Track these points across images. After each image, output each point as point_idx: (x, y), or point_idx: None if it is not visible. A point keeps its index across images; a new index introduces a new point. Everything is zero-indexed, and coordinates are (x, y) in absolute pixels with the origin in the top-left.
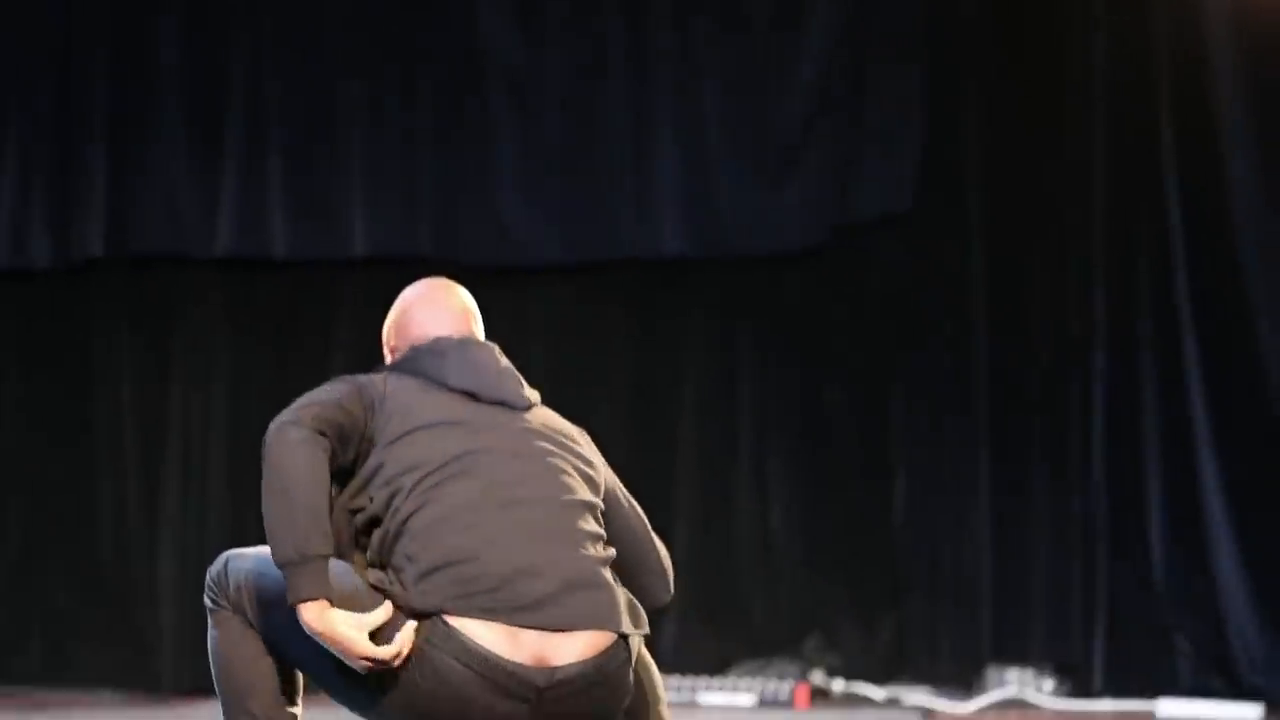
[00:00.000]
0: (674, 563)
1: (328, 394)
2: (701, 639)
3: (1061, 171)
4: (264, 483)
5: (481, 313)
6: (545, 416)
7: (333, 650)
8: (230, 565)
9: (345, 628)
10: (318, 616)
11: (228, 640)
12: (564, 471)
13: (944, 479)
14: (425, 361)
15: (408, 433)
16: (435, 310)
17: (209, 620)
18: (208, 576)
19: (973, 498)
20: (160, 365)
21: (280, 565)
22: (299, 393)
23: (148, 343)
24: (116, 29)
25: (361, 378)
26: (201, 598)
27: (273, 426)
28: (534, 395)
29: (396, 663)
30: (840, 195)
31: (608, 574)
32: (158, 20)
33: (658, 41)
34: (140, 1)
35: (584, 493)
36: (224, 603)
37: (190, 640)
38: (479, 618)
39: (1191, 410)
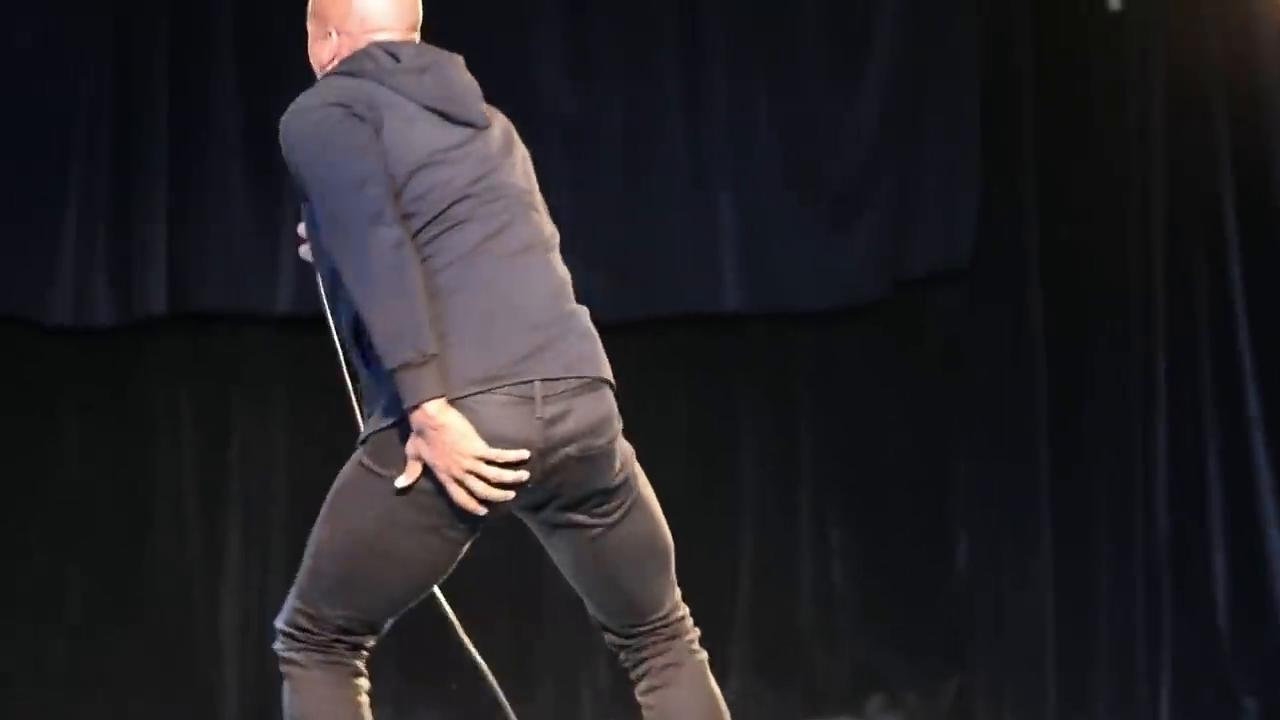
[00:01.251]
0: (734, 618)
1: (366, 161)
2: (763, 695)
3: (1118, 222)
4: (367, 286)
5: None
6: (501, 129)
7: (438, 454)
8: (292, 597)
9: (464, 423)
10: (441, 409)
11: (304, 700)
12: (533, 208)
13: (1005, 536)
14: (398, 78)
15: (408, 174)
16: None
17: (284, 678)
18: (278, 627)
19: (1035, 557)
20: (221, 421)
21: (400, 367)
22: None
23: (209, 398)
24: (173, 81)
25: (359, 107)
26: (266, 654)
27: (358, 220)
28: (490, 110)
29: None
30: (898, 249)
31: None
32: (214, 73)
33: (714, 91)
34: (198, 53)
35: (549, 226)
36: (297, 646)
37: (255, 697)
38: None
39: (1257, 468)
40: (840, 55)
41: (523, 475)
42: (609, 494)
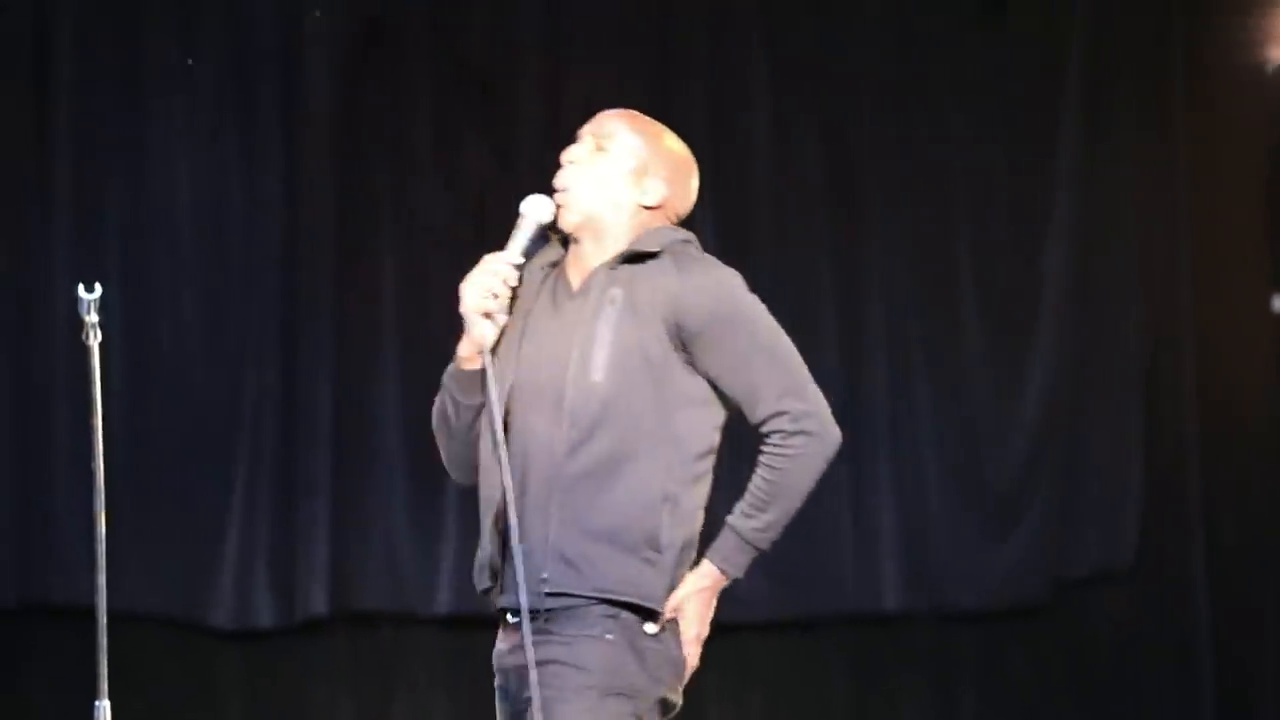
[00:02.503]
0: None
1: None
2: None
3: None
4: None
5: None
6: None
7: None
8: None
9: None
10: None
11: None
12: None
13: None
14: None
15: None
16: None
17: None
18: None
19: None
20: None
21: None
22: None
23: (370, 699)
24: (336, 381)
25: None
26: None
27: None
28: None
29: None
30: (1060, 550)
31: None
32: (376, 375)
33: (875, 387)
34: (360, 353)
35: None
36: None
37: None
38: None
39: None
40: (1002, 353)
41: None
42: None
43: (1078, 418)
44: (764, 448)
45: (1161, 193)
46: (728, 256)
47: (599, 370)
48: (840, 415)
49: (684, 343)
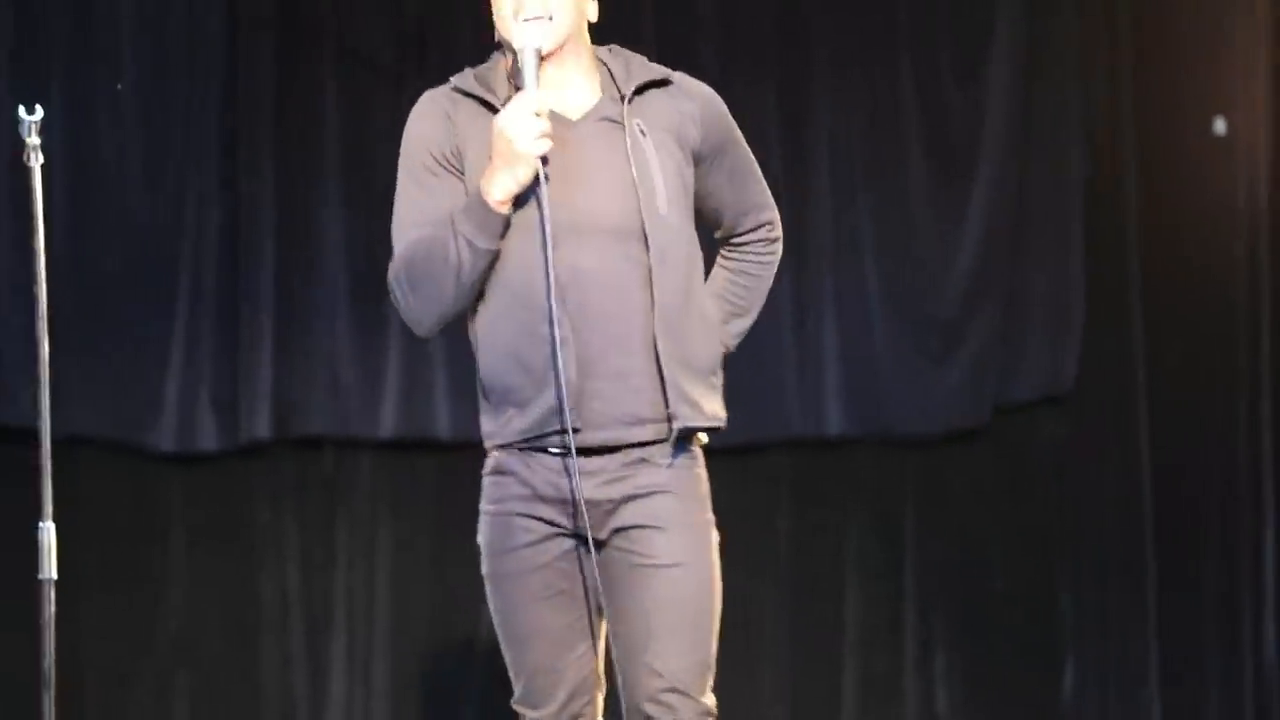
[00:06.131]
0: None
1: None
2: None
3: (1227, 340)
4: None
5: None
6: None
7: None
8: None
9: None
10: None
11: None
12: None
13: (1113, 665)
14: None
15: None
16: None
17: None
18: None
19: (1143, 687)
20: (325, 546)
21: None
22: (460, 575)
23: (312, 523)
24: (280, 208)
25: None
26: None
27: None
28: None
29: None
30: (1001, 376)
31: None
32: (319, 198)
33: (819, 213)
34: (305, 178)
35: None
36: None
37: None
38: None
39: None
40: (943, 177)
41: None
42: None
43: (1019, 242)
44: (743, 255)
45: (1104, 16)
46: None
47: (663, 202)
48: (786, 236)
49: (696, 161)
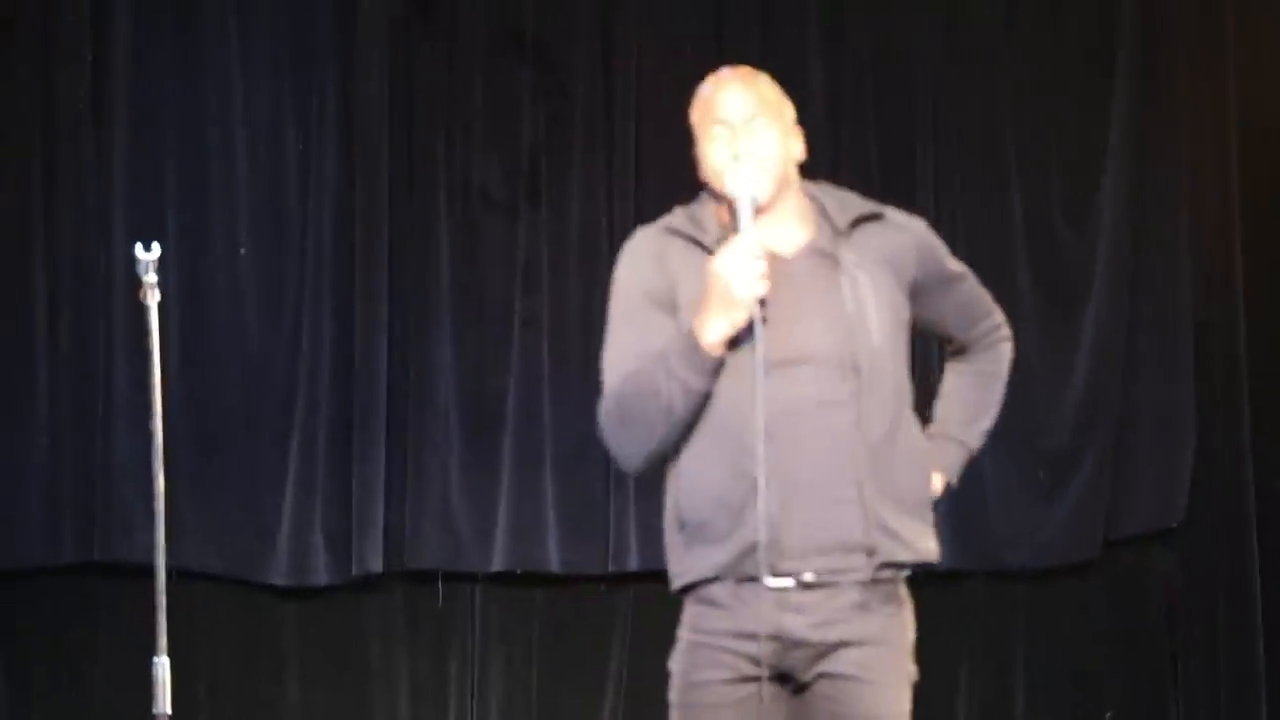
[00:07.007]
0: None
1: None
2: None
3: None
4: None
5: None
6: None
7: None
8: None
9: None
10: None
11: None
12: None
13: None
14: None
15: None
16: None
17: None
18: None
19: None
20: (437, 678)
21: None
22: (573, 707)
23: (425, 656)
24: (391, 350)
25: None
26: None
27: None
28: None
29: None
30: (1112, 508)
31: None
32: (432, 341)
33: (930, 350)
34: (416, 321)
35: None
36: None
37: None
38: None
39: None
40: (1055, 310)
41: None
42: None
43: (1129, 374)
44: (975, 358)
45: (1213, 148)
46: None
47: (877, 335)
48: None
49: (914, 293)
